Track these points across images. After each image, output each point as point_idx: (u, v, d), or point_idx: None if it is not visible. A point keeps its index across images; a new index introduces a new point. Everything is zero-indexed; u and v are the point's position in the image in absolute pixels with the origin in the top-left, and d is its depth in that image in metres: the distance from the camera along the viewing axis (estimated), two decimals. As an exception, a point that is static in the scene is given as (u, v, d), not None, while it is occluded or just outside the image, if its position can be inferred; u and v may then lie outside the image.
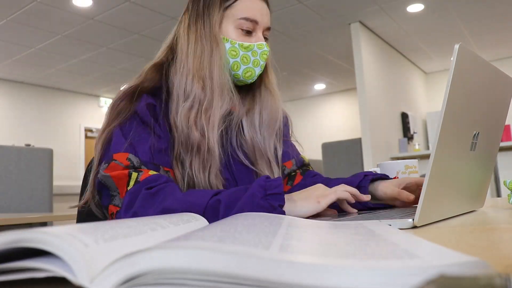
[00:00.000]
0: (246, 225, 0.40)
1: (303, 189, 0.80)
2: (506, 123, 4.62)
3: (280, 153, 1.02)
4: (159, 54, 0.98)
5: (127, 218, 0.43)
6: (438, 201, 0.60)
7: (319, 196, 0.76)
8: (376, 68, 4.76)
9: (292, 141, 1.14)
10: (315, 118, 7.75)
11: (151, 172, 0.78)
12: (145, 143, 0.82)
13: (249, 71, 0.95)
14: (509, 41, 5.34)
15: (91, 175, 0.85)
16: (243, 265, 0.22)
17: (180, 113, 0.86)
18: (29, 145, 5.64)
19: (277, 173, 0.99)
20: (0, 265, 0.28)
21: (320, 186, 0.80)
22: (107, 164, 0.80)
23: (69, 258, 0.26)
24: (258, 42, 0.95)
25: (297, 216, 0.72)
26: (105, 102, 7.06)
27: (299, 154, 1.13)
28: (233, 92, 0.93)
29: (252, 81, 0.98)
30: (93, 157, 0.89)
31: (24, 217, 1.81)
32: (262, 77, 1.02)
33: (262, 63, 0.96)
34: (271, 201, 0.70)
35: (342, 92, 7.58)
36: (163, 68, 0.94)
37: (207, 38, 0.92)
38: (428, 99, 6.56)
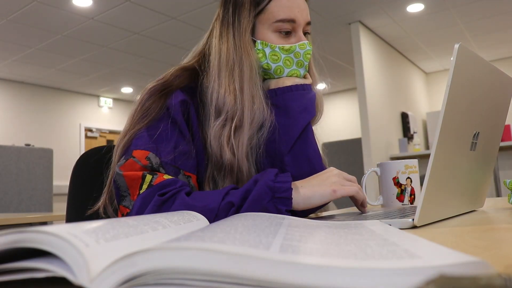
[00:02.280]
0: (247, 225, 0.40)
1: (314, 175, 0.76)
2: (506, 123, 4.62)
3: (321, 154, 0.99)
4: (189, 59, 0.93)
5: (128, 217, 0.43)
6: (438, 201, 0.60)
7: (334, 183, 0.72)
8: (376, 68, 4.76)
9: None
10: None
11: (166, 176, 0.74)
12: (170, 142, 0.78)
13: (294, 73, 0.90)
14: (509, 41, 5.34)
15: (109, 177, 0.83)
16: (243, 266, 0.22)
17: (212, 132, 0.81)
18: (29, 145, 5.64)
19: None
20: (0, 265, 0.28)
21: (334, 172, 0.76)
22: (124, 161, 0.75)
23: (69, 258, 0.26)
24: (299, 42, 0.89)
25: (309, 206, 0.71)
26: (105, 102, 7.06)
27: None
28: (267, 104, 0.86)
29: None
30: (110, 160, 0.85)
31: (24, 217, 1.81)
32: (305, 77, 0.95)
33: (306, 63, 0.91)
34: (278, 205, 0.68)
35: (342, 92, 7.58)
36: (195, 73, 0.89)
37: (237, 47, 0.86)
38: (428, 99, 6.56)
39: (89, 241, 0.28)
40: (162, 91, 0.83)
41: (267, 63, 0.88)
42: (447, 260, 0.24)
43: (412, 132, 5.17)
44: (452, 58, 0.54)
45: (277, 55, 0.88)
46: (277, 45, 0.88)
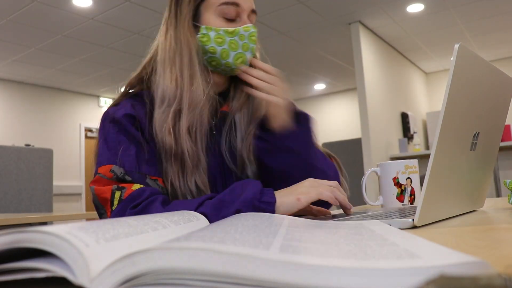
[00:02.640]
0: (247, 225, 0.40)
1: (292, 185, 0.77)
2: (506, 123, 4.62)
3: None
4: (140, 66, 0.96)
5: (128, 217, 0.43)
6: (438, 201, 0.60)
7: (301, 193, 0.73)
8: (376, 68, 4.76)
9: None
10: (315, 118, 7.74)
11: (135, 187, 0.77)
12: (129, 152, 0.81)
13: (240, 57, 0.90)
14: (509, 41, 5.34)
15: None
16: (243, 266, 0.22)
17: (155, 119, 0.84)
18: (29, 145, 5.64)
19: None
20: (0, 265, 0.28)
21: (305, 182, 0.77)
22: (93, 178, 0.81)
23: (69, 258, 0.26)
24: (244, 25, 0.90)
25: (279, 214, 0.71)
26: (105, 102, 7.06)
27: None
28: (206, 80, 0.88)
29: (247, 67, 0.92)
30: None
31: (24, 217, 1.81)
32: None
33: (252, 45, 0.90)
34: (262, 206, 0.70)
35: (342, 92, 7.58)
36: (143, 79, 0.93)
37: (177, 38, 0.89)
38: (428, 99, 6.56)
39: (89, 241, 0.28)
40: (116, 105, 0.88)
41: (213, 46, 0.89)
42: (447, 260, 0.23)
43: (412, 132, 5.17)
44: (452, 58, 0.54)
45: (221, 38, 0.89)
46: (222, 28, 0.89)
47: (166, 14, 0.94)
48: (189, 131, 0.84)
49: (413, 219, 0.55)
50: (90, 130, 6.90)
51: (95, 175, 0.81)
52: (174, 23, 0.91)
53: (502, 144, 4.22)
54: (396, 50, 5.43)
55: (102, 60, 5.25)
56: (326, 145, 4.07)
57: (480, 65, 0.62)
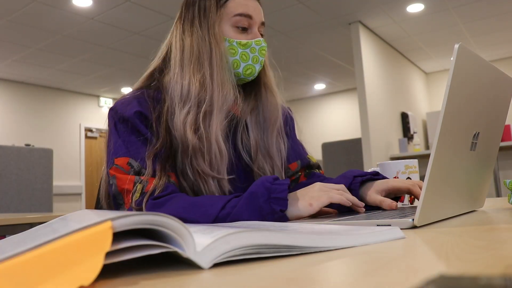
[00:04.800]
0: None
1: (300, 189, 0.79)
2: (506, 123, 4.62)
3: (284, 151, 1.01)
4: (153, 64, 0.99)
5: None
6: (438, 201, 0.60)
7: (312, 198, 0.75)
8: (376, 68, 4.76)
9: (300, 140, 1.13)
10: (315, 118, 7.75)
11: (156, 182, 0.79)
12: (140, 149, 0.84)
13: (249, 68, 0.95)
14: (509, 41, 5.34)
15: (103, 181, 0.90)
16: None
17: (177, 121, 0.86)
18: (29, 145, 5.64)
19: (279, 172, 0.99)
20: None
21: (315, 186, 0.78)
22: (110, 168, 0.83)
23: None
24: (255, 39, 0.95)
25: (291, 218, 0.74)
26: (105, 102, 7.06)
27: (306, 154, 1.12)
28: (236, 89, 0.92)
29: (253, 78, 0.97)
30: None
31: (24, 217, 1.81)
32: (260, 75, 1.01)
33: (261, 59, 0.96)
34: (273, 205, 0.70)
35: (342, 92, 7.58)
36: (154, 77, 0.95)
37: (205, 39, 0.91)
38: (428, 99, 6.56)
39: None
40: (126, 103, 0.89)
41: (227, 56, 0.92)
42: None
43: (412, 132, 5.17)
44: (452, 58, 0.54)
45: (234, 49, 0.93)
46: (235, 40, 0.94)
47: (182, 14, 0.96)
48: (221, 132, 0.88)
49: (413, 219, 0.55)
50: (90, 130, 6.90)
51: (110, 166, 0.83)
52: (199, 25, 0.93)
53: (502, 144, 4.22)
54: (396, 50, 5.44)
55: (102, 60, 5.25)
56: (326, 145, 4.07)
57: (480, 65, 0.62)
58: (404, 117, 5.25)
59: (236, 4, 0.94)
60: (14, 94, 6.00)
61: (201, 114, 0.86)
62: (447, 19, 4.51)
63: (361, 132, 4.40)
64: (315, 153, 5.47)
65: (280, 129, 1.02)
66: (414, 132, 5.13)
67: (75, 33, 4.38)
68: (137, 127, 0.85)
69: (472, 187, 0.73)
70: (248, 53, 0.94)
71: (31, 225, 1.80)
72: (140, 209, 0.76)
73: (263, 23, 0.98)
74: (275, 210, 0.70)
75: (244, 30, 0.95)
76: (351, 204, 0.78)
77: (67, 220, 0.45)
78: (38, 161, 2.99)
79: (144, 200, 0.77)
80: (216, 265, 0.35)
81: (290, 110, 1.17)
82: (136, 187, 0.79)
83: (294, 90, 7.24)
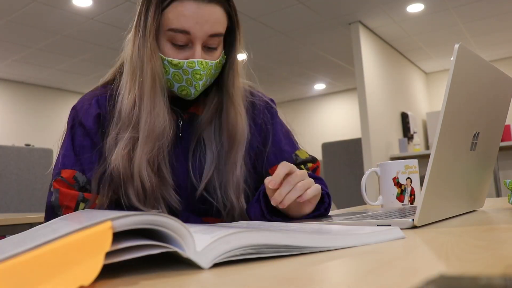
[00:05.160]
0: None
1: None
2: (506, 123, 4.62)
3: (247, 178, 0.89)
4: (110, 72, 0.94)
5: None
6: (438, 201, 0.60)
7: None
8: (376, 68, 4.76)
9: (289, 131, 1.00)
10: (315, 118, 7.75)
11: (98, 201, 0.78)
12: (92, 159, 0.81)
13: (184, 90, 0.83)
14: (509, 41, 5.34)
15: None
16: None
17: (107, 141, 0.80)
18: (29, 145, 5.64)
19: (230, 202, 0.86)
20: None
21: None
22: (55, 179, 0.80)
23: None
24: (188, 60, 0.80)
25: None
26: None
27: (293, 151, 0.97)
28: (169, 114, 0.81)
29: (194, 97, 0.85)
30: None
31: (24, 217, 1.81)
32: (225, 83, 0.88)
33: (196, 83, 0.81)
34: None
35: (342, 92, 7.58)
36: (115, 76, 0.90)
37: (140, 52, 0.80)
38: (428, 99, 6.56)
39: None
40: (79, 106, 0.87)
41: (161, 70, 0.81)
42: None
43: (412, 132, 5.17)
44: (452, 58, 0.54)
45: (166, 68, 0.81)
46: (166, 58, 0.80)
47: (136, 13, 0.85)
48: (149, 162, 0.78)
49: (413, 219, 0.55)
50: (90, 130, 6.90)
51: (55, 177, 0.80)
52: (139, 32, 0.81)
53: (502, 144, 4.22)
54: (396, 50, 5.43)
55: (102, 60, 5.25)
56: (326, 145, 4.07)
57: (480, 65, 0.62)
58: (404, 117, 5.25)
59: (173, 15, 0.78)
60: (14, 94, 6.00)
61: (125, 140, 0.78)
62: (447, 19, 4.51)
63: (361, 132, 4.40)
64: (315, 153, 5.46)
65: (241, 150, 0.88)
66: (414, 132, 5.13)
67: (75, 33, 4.38)
68: (92, 136, 0.82)
69: (472, 187, 0.73)
70: (180, 74, 0.81)
71: (31, 225, 1.80)
72: None
73: (213, 35, 0.81)
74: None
75: (182, 46, 0.81)
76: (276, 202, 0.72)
77: (67, 220, 0.45)
78: (38, 161, 2.99)
79: None
80: (216, 265, 0.35)
81: (273, 102, 1.01)
82: (79, 205, 0.76)
83: (294, 90, 7.24)
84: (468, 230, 0.51)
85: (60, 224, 0.42)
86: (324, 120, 7.70)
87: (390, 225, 0.54)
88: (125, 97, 0.80)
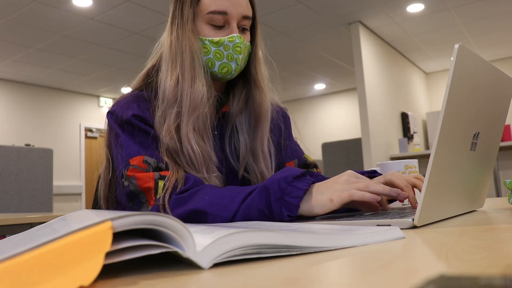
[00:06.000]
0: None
1: (328, 179, 0.73)
2: (506, 123, 4.62)
3: (273, 153, 1.00)
4: (149, 62, 0.98)
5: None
6: (438, 201, 0.60)
7: (335, 191, 0.68)
8: (376, 68, 4.76)
9: (296, 139, 1.12)
10: (315, 118, 7.75)
11: (176, 176, 0.78)
12: (151, 146, 0.83)
13: (225, 67, 0.91)
14: (509, 41, 5.34)
15: (101, 181, 0.89)
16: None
17: (156, 121, 0.86)
18: (29, 145, 5.64)
19: (266, 177, 0.96)
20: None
21: (343, 177, 0.72)
22: (126, 170, 0.80)
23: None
24: (229, 35, 0.90)
25: (312, 215, 0.69)
26: (105, 102, 7.06)
27: (303, 153, 1.10)
28: (211, 88, 0.90)
29: (232, 77, 0.94)
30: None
31: (24, 217, 1.81)
32: (251, 72, 0.98)
33: (237, 56, 0.91)
34: (283, 208, 0.67)
35: (342, 92, 7.58)
36: (150, 75, 0.95)
37: (179, 38, 0.90)
38: (428, 99, 6.56)
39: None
40: (126, 105, 0.89)
41: (200, 55, 0.90)
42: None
43: (412, 132, 5.18)
44: (452, 58, 0.54)
45: (207, 48, 0.90)
46: (207, 38, 0.90)
47: (170, 13, 0.95)
48: (194, 129, 0.86)
49: (413, 219, 0.55)
50: (90, 130, 6.90)
51: (126, 168, 0.80)
52: (176, 23, 0.92)
53: (502, 144, 4.22)
54: (396, 50, 5.43)
55: (102, 60, 5.25)
56: (326, 145, 4.07)
57: (480, 65, 0.62)
58: (404, 117, 5.25)
59: (211, 0, 0.90)
60: (14, 94, 6.00)
61: (172, 115, 0.86)
62: (447, 19, 4.51)
63: (361, 132, 4.40)
64: (315, 153, 5.47)
65: (268, 130, 0.99)
66: (414, 132, 5.13)
67: (75, 33, 4.38)
68: (142, 127, 0.85)
69: (472, 187, 0.73)
70: (222, 51, 0.90)
71: (31, 225, 1.80)
72: (164, 206, 0.75)
73: (245, 17, 0.92)
74: (283, 214, 0.67)
75: (221, 27, 0.91)
76: (375, 199, 0.68)
77: (67, 220, 0.45)
78: (38, 161, 2.99)
79: (167, 196, 0.75)
80: (216, 265, 0.35)
81: (287, 110, 1.16)
82: (158, 183, 0.77)
83: (294, 90, 7.24)
84: (468, 230, 0.51)
85: (60, 224, 0.42)
86: (324, 120, 7.70)
87: (390, 225, 0.54)
88: (168, 80, 0.88)
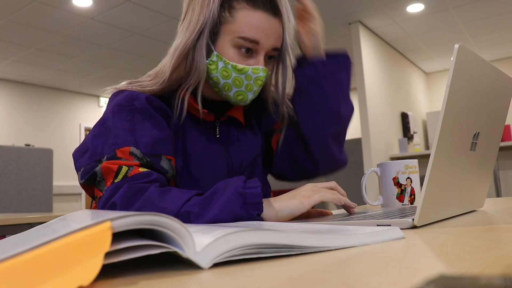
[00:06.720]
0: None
1: (291, 191, 0.78)
2: (506, 123, 4.62)
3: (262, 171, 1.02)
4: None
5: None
6: (438, 201, 0.60)
7: (303, 196, 0.74)
8: (376, 68, 4.76)
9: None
10: (315, 118, 7.74)
11: (142, 169, 0.76)
12: (146, 133, 0.81)
13: (241, 95, 0.88)
14: (509, 41, 5.34)
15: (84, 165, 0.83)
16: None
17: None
18: (29, 145, 5.64)
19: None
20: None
21: (306, 187, 0.78)
22: (110, 160, 0.78)
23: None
24: (254, 66, 0.85)
25: (280, 220, 0.73)
26: (105, 102, 7.06)
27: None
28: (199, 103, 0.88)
29: (245, 104, 0.91)
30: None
31: (24, 217, 1.81)
32: (261, 96, 0.99)
33: (256, 88, 0.87)
34: (250, 210, 0.69)
35: (342, 92, 7.57)
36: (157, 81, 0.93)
37: (192, 23, 0.84)
38: (428, 99, 6.56)
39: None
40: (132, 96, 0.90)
41: (217, 76, 0.86)
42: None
43: (412, 132, 5.17)
44: (452, 58, 0.54)
45: (228, 72, 0.85)
46: (231, 63, 0.84)
47: (182, 15, 0.89)
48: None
49: (413, 219, 0.55)
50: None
51: (110, 157, 0.77)
52: (189, 30, 0.85)
53: (502, 144, 4.22)
54: (396, 50, 5.43)
55: (102, 60, 5.25)
56: (326, 145, 4.06)
57: (480, 65, 0.62)
58: (404, 117, 5.25)
59: (245, 23, 0.83)
60: (14, 94, 6.00)
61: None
62: (447, 19, 4.51)
63: (361, 132, 4.40)
64: (315, 153, 5.39)
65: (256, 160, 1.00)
66: (414, 132, 5.13)
67: (75, 33, 4.38)
68: (145, 107, 0.84)
69: (472, 187, 0.73)
70: (242, 79, 0.85)
71: (31, 225, 1.80)
72: (116, 191, 0.72)
73: (275, 49, 0.87)
74: (253, 215, 0.69)
75: (249, 51, 0.85)
76: (342, 203, 0.77)
77: (67, 220, 0.45)
78: (38, 161, 2.99)
79: (123, 183, 0.73)
80: (216, 265, 0.35)
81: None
82: (121, 169, 0.75)
83: (294, 90, 7.23)
84: (468, 230, 0.51)
85: (60, 224, 0.42)
86: (324, 120, 7.69)
87: (390, 225, 0.54)
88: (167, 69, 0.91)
